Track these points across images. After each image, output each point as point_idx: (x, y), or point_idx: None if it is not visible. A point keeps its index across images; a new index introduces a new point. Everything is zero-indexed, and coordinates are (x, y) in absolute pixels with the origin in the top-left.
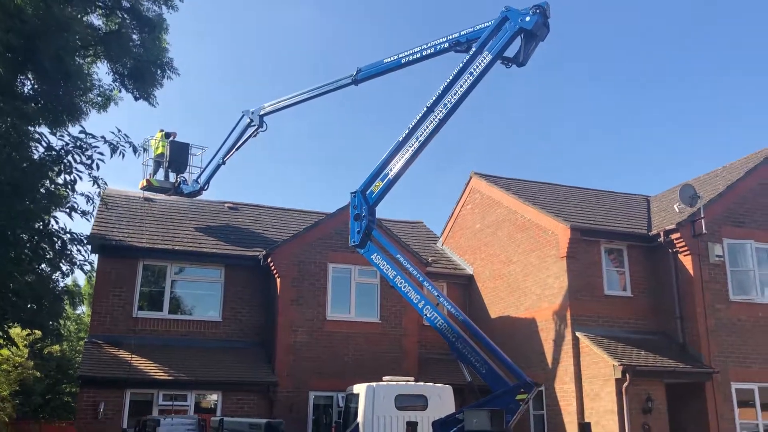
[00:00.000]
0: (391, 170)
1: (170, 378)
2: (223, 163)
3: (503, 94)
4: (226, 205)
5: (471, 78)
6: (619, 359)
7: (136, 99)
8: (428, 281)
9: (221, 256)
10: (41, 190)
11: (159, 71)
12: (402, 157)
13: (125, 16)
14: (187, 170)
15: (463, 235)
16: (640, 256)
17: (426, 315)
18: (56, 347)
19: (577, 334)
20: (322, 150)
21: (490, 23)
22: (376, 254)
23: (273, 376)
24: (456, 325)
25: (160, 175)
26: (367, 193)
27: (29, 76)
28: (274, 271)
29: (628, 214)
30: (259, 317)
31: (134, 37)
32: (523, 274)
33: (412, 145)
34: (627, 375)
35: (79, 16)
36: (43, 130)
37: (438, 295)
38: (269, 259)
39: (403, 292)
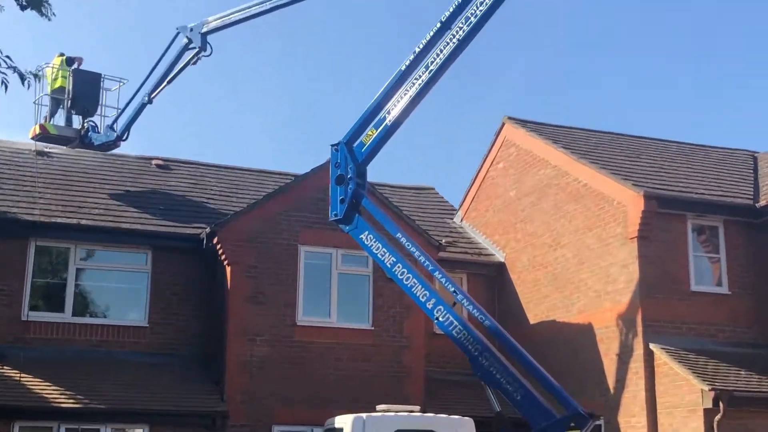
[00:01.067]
0: (388, 113)
1: (77, 406)
2: (150, 101)
3: (545, 19)
4: (153, 162)
5: None
6: (711, 382)
7: (23, 8)
8: (441, 271)
9: (147, 235)
10: None
11: None
12: (404, 95)
13: None
14: (99, 112)
15: (492, 207)
16: (743, 238)
17: (438, 319)
18: None
19: (652, 346)
20: (291, 90)
21: None
22: (367, 233)
23: (221, 405)
24: (480, 333)
25: (60, 118)
26: (355, 146)
27: None
28: (223, 257)
29: (726, 177)
30: (201, 322)
31: None
32: (577, 263)
33: (420, 77)
34: (721, 404)
35: None
36: None
37: (455, 292)
38: (215, 239)
39: (405, 287)
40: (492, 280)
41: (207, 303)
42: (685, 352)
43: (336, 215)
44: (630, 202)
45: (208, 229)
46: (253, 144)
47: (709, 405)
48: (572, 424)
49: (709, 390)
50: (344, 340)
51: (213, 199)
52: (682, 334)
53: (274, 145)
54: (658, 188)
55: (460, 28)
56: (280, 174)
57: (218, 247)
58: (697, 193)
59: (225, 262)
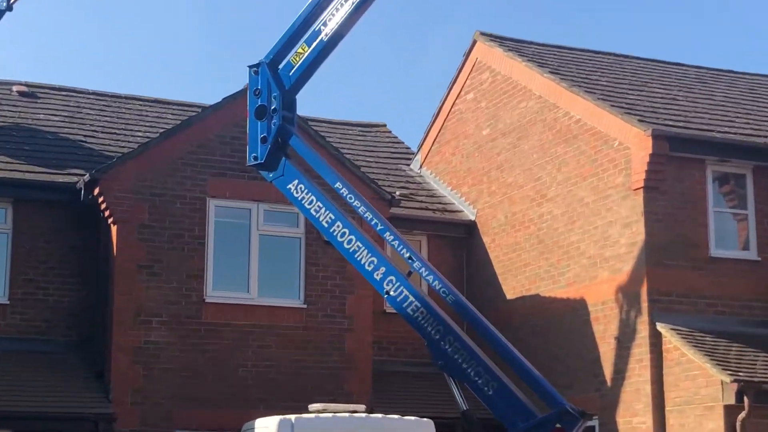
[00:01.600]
0: (324, 25)
1: None
2: (9, 8)
3: None
4: (15, 88)
5: None
6: (733, 372)
7: None
8: (394, 232)
9: (6, 184)
10: None
11: None
12: (344, 3)
13: None
14: None
15: (459, 150)
16: None
17: (389, 293)
18: None
19: (659, 327)
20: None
21: None
22: (297, 182)
23: (106, 406)
24: (443, 311)
25: None
26: (281, 68)
27: None
28: (107, 213)
29: (757, 112)
30: (79, 298)
31: None
32: (567, 221)
33: None
34: (746, 399)
35: None
36: None
37: (411, 258)
38: (97, 190)
39: (347, 252)
40: (459, 244)
41: (87, 273)
42: (701, 334)
43: (256, 159)
44: (634, 144)
45: (87, 177)
46: (149, 67)
47: (731, 400)
48: (558, 425)
49: (732, 382)
50: (268, 322)
51: (94, 137)
52: (698, 311)
53: (176, 70)
54: (670, 125)
55: None
56: (182, 105)
57: (100, 199)
58: (719, 132)
59: (109, 220)
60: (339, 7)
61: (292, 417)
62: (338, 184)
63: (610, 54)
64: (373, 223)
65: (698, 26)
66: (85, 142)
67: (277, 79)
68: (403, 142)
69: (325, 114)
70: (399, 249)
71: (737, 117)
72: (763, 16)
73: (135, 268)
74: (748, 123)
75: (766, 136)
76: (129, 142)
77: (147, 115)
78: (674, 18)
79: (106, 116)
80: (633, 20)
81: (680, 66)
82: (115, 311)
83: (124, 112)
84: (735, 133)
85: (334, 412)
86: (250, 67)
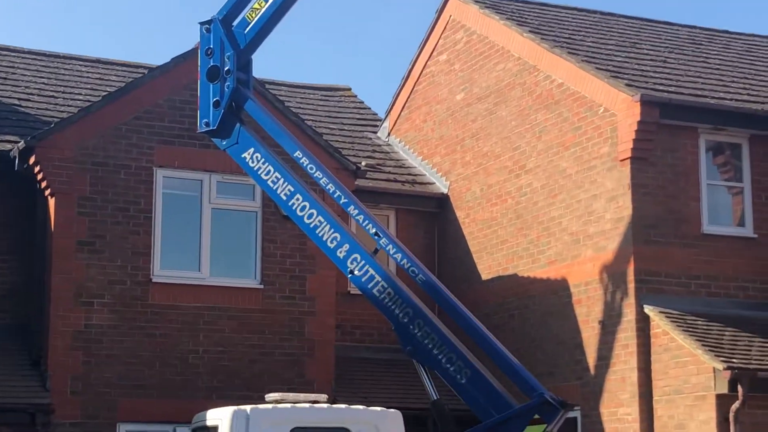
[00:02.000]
0: None
1: None
2: None
3: None
4: None
5: None
6: (727, 358)
7: None
8: (359, 206)
9: None
10: None
11: None
12: None
13: None
14: None
15: (431, 117)
16: None
17: (353, 273)
18: None
19: (647, 309)
20: None
21: None
22: (252, 151)
23: (43, 395)
24: (412, 292)
25: None
26: (235, 25)
27: None
28: (43, 183)
29: (756, 76)
30: (12, 276)
31: None
32: (547, 194)
33: None
34: (740, 388)
35: None
36: None
37: (378, 235)
38: (32, 159)
39: (307, 228)
40: (430, 219)
41: (22, 250)
42: (692, 317)
43: (208, 125)
44: (621, 110)
45: (21, 144)
46: (91, 24)
47: (724, 389)
48: (536, 416)
49: (725, 369)
50: (221, 304)
51: (29, 100)
52: (690, 293)
53: (120, 27)
54: (660, 90)
55: None
56: (127, 66)
57: (36, 169)
58: (714, 98)
59: (46, 192)
60: None
61: (248, 408)
62: (298, 153)
63: (595, 12)
64: (336, 195)
65: None
66: (20, 106)
67: (231, 37)
68: (369, 108)
69: (284, 77)
70: (364, 224)
71: (733, 82)
72: None
73: (75, 244)
74: (745, 88)
75: (764, 103)
76: (68, 106)
77: (88, 77)
78: None
79: (42, 78)
80: None
81: (671, 26)
82: (52, 292)
83: (63, 74)
84: (731, 99)
85: (294, 402)
86: (202, 24)
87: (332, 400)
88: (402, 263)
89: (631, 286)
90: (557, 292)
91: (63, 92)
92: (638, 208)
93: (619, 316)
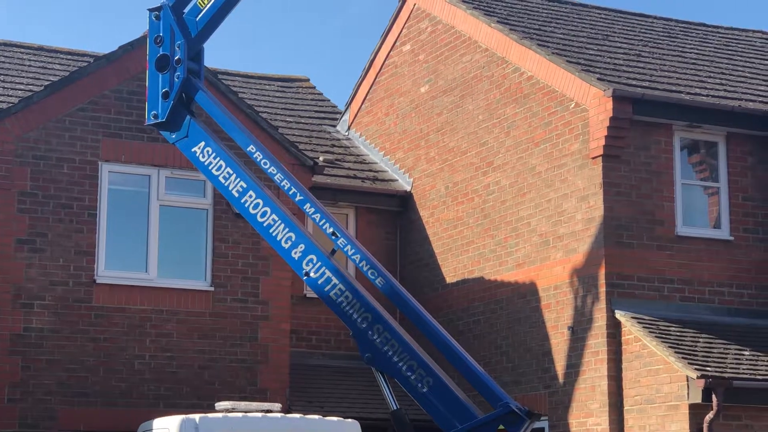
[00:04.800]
0: None
1: None
2: None
3: None
4: None
5: None
6: (701, 366)
7: None
8: (316, 204)
9: None
10: None
11: None
12: None
13: None
14: None
15: (393, 110)
16: (753, 159)
17: (309, 275)
18: None
19: (619, 315)
20: None
21: None
22: (203, 145)
23: None
24: (371, 296)
25: None
26: (186, 12)
27: None
28: None
29: (733, 71)
30: None
31: None
32: (515, 193)
33: None
34: (714, 397)
35: None
36: None
37: (335, 234)
38: None
39: (260, 227)
40: (392, 218)
41: None
42: (665, 323)
43: (156, 117)
44: (593, 105)
45: None
46: (33, 9)
47: (698, 399)
48: (501, 427)
49: (698, 377)
50: (169, 306)
51: None
52: (663, 297)
53: (64, 12)
54: (633, 85)
55: None
56: (71, 54)
57: None
58: (689, 93)
59: None
60: None
61: (196, 417)
62: (251, 148)
63: (567, 3)
64: (291, 193)
65: None
66: None
67: (182, 24)
68: (328, 100)
69: (239, 66)
70: (321, 223)
71: (709, 77)
72: None
73: (14, 243)
74: (722, 84)
75: (741, 99)
76: (8, 96)
77: (30, 66)
78: None
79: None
80: None
81: (646, 18)
82: None
83: (3, 62)
84: (707, 96)
85: (245, 412)
86: (151, 10)
87: (286, 410)
88: (361, 265)
89: (602, 290)
90: (525, 296)
91: (3, 81)
92: (610, 208)
93: (589, 321)
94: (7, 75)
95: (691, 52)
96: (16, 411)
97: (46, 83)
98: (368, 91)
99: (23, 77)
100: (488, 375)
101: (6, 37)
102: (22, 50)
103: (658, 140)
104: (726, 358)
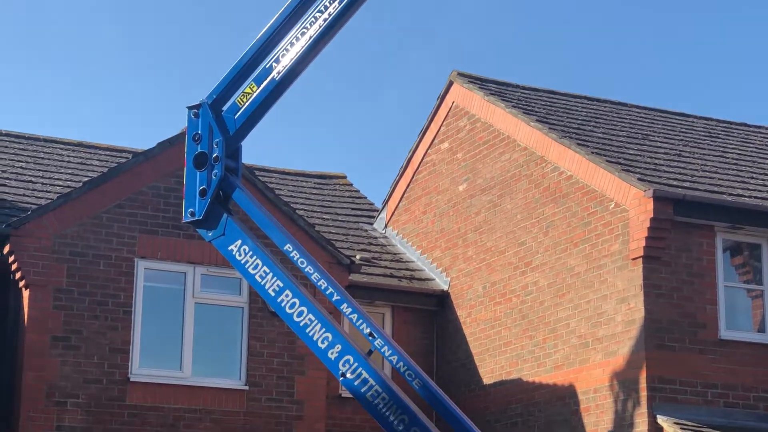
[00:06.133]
0: (277, 61)
1: None
2: None
3: None
4: None
5: None
6: None
7: None
8: (353, 304)
9: None
10: None
11: None
12: (303, 34)
13: None
14: None
15: (431, 208)
16: None
17: (345, 376)
18: None
19: (661, 420)
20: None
21: None
22: (240, 243)
23: None
24: (408, 397)
25: None
26: (225, 110)
27: None
28: (18, 274)
29: None
30: None
31: None
32: (554, 294)
33: (327, 9)
34: None
35: None
36: None
37: (372, 335)
38: (7, 247)
39: (296, 326)
40: (429, 318)
41: None
42: (709, 429)
43: (193, 215)
44: (633, 206)
45: None
46: (73, 105)
47: None
48: None
49: None
50: (203, 405)
51: (6, 185)
52: (706, 402)
53: (104, 109)
54: (674, 185)
55: None
56: (110, 150)
57: (11, 259)
58: (731, 194)
59: (20, 283)
60: (294, 41)
61: None
62: (288, 246)
63: (606, 101)
64: (328, 292)
65: (707, 73)
66: None
67: (221, 122)
68: (365, 197)
69: (276, 163)
70: (358, 323)
71: (752, 178)
72: None
73: (49, 340)
74: (765, 185)
75: None
76: (47, 192)
77: (69, 161)
78: (679, 64)
79: (21, 161)
80: (632, 64)
81: (686, 117)
82: (23, 390)
83: (43, 157)
84: (749, 197)
85: None
86: (190, 108)
87: None
88: (398, 366)
89: (644, 394)
90: (564, 398)
91: (42, 177)
92: (651, 310)
93: (630, 426)
94: (46, 171)
95: (732, 152)
96: None
97: (85, 179)
98: (406, 189)
99: (62, 173)
100: None
101: (47, 133)
102: (62, 146)
103: (699, 242)
104: None
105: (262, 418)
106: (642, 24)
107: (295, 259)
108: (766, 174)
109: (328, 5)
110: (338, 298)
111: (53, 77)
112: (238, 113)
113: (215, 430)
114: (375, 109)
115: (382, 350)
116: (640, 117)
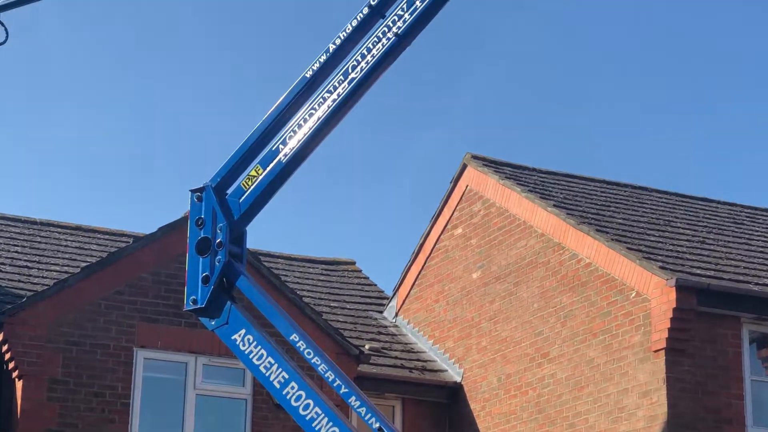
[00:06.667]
0: (284, 144)
1: None
2: None
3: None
4: None
5: None
6: None
7: None
8: (361, 396)
9: None
10: None
11: None
12: (310, 117)
13: None
14: None
15: (443, 296)
16: None
17: None
18: None
19: None
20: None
21: None
22: (244, 332)
23: None
24: None
25: None
26: (229, 193)
27: None
28: (11, 364)
29: None
30: None
31: None
32: (573, 387)
33: (335, 89)
34: None
35: None
36: None
37: (381, 429)
38: (1, 336)
39: (302, 419)
40: (441, 411)
41: None
42: None
43: (195, 302)
44: (655, 294)
45: None
46: (70, 189)
47: None
48: None
49: None
50: None
51: (0, 270)
52: None
53: (103, 192)
54: (697, 274)
55: (400, 17)
56: (109, 234)
57: (4, 347)
58: (758, 284)
59: (14, 373)
60: (302, 123)
61: None
62: (294, 336)
63: (626, 186)
64: (335, 384)
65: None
66: None
67: (225, 206)
68: (375, 284)
69: (282, 248)
70: (367, 418)
71: None
72: None
73: None
74: None
75: None
76: (43, 277)
77: (66, 246)
78: (701, 148)
79: (16, 245)
80: (653, 148)
81: (709, 202)
82: None
83: (39, 241)
84: None
85: None
86: (193, 191)
87: None
88: None
89: None
90: None
91: (38, 262)
92: (674, 404)
93: None
94: (42, 255)
95: (758, 240)
96: None
97: (83, 265)
98: (417, 276)
99: (59, 258)
100: None
101: (43, 216)
102: (59, 230)
103: (724, 333)
104: None
105: None
106: (661, 103)
107: (301, 349)
108: None
109: (338, 85)
110: (346, 390)
111: (51, 159)
112: (243, 197)
113: None
114: (386, 192)
115: None
116: (662, 202)
